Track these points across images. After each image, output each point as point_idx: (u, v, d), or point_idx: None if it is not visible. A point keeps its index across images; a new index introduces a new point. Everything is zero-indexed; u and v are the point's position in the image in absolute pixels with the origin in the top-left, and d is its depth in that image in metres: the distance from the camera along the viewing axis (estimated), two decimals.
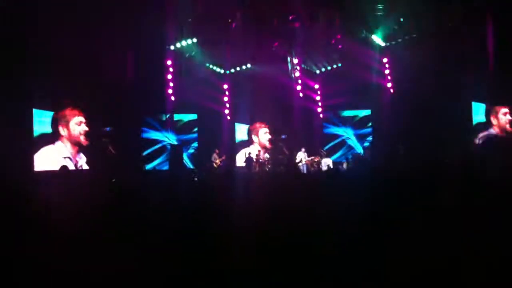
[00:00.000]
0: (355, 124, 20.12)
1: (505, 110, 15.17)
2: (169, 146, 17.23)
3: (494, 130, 15.16)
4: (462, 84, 16.56)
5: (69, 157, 13.43)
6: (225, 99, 19.01)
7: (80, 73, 13.11)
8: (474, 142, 15.30)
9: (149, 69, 14.80)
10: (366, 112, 19.93)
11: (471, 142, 15.23)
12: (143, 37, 14.10)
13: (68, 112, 13.70)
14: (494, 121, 15.45)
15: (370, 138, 19.73)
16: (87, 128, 13.75)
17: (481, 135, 15.25)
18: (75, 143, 13.65)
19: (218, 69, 18.91)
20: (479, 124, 15.75)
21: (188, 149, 17.98)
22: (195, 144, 18.07)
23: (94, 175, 12.64)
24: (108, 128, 14.11)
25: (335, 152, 19.14)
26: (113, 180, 10.88)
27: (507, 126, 15.00)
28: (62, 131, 13.56)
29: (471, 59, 16.68)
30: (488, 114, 15.68)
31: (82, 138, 13.69)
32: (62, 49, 12.63)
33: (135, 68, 14.58)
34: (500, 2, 15.66)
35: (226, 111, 18.92)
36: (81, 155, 13.74)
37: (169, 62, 16.87)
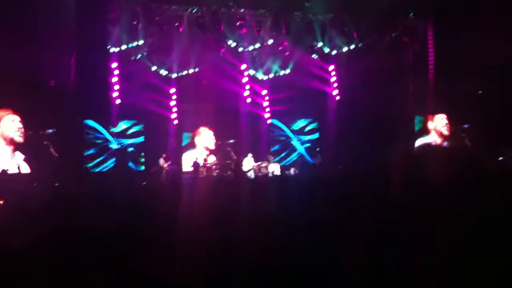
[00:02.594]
0: (301, 131, 20.33)
1: (442, 115, 15.63)
2: (113, 150, 16.89)
3: (431, 136, 15.55)
4: (404, 94, 17.04)
5: (2, 156, 12.91)
6: (172, 103, 18.79)
7: (18, 74, 12.69)
8: (410, 150, 15.60)
9: (93, 71, 14.44)
10: (313, 125, 20.13)
11: (408, 150, 15.50)
12: (86, 39, 13.77)
13: (1, 112, 13.17)
14: (431, 125, 15.84)
15: (309, 145, 19.94)
16: (21, 126, 13.21)
17: (419, 143, 15.59)
18: (10, 142, 13.12)
19: (164, 73, 18.68)
20: (418, 131, 16.18)
21: (132, 152, 17.66)
22: (131, 149, 17.72)
23: (35, 178, 12.20)
24: (50, 131, 13.65)
25: (281, 158, 19.21)
26: (56, 184, 10.52)
27: (444, 129, 15.40)
28: None
29: (412, 69, 17.20)
30: (425, 120, 16.10)
31: (16, 135, 13.12)
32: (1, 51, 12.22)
33: (78, 70, 14.20)
34: (439, 17, 16.22)
35: (173, 116, 18.70)
36: (17, 153, 13.21)
37: (114, 65, 16.58)
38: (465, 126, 14.93)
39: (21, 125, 13.21)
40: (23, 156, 13.23)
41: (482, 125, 14.18)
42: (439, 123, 15.49)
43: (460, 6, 15.44)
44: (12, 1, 12.58)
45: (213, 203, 6.29)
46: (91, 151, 16.68)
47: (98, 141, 16.92)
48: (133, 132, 17.86)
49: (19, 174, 12.61)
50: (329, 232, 4.30)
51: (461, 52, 15.16)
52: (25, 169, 13.03)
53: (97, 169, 16.51)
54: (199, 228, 5.24)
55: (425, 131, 15.58)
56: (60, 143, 13.60)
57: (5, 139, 13.10)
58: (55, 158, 12.80)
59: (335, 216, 4.59)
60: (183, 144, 18.46)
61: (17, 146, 13.20)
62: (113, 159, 16.65)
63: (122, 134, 17.55)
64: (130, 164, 17.26)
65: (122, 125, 17.58)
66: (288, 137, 20.18)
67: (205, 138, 17.49)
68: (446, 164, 2.10)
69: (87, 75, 14.02)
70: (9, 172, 12.07)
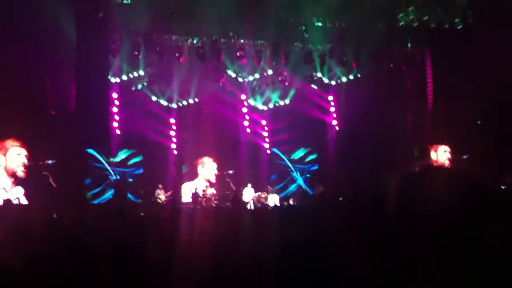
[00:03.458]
0: (300, 161, 20.28)
1: (445, 147, 15.58)
2: (113, 180, 16.80)
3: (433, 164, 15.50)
4: (403, 122, 17.09)
5: (4, 188, 12.85)
6: (172, 133, 18.82)
7: (20, 103, 12.74)
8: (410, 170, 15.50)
9: (93, 101, 14.48)
10: (313, 156, 20.08)
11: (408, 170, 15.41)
12: (87, 68, 13.84)
13: (8, 142, 13.15)
14: (433, 156, 15.81)
15: (308, 175, 19.86)
16: (26, 161, 13.20)
17: (419, 164, 15.49)
18: (12, 175, 13.08)
19: (164, 103, 18.76)
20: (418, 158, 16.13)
21: (131, 183, 17.56)
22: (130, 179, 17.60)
23: (34, 209, 12.12)
24: (50, 161, 13.62)
25: (281, 188, 19.10)
26: (54, 215, 10.42)
27: (446, 163, 15.36)
28: (0, 160, 13.02)
29: (412, 98, 17.29)
30: (427, 150, 16.07)
31: (19, 169, 13.09)
32: (3, 79, 12.28)
33: (79, 99, 14.24)
34: (436, 45, 16.37)
35: (173, 145, 18.71)
36: (18, 187, 13.16)
37: (114, 95, 16.67)
38: (464, 157, 14.91)
39: (26, 160, 13.18)
40: (23, 191, 13.18)
41: (482, 155, 14.16)
42: (441, 156, 15.38)
43: (457, 34, 15.61)
44: (14, 31, 12.69)
45: (212, 234, 6.25)
46: (89, 182, 16.60)
47: (97, 171, 16.85)
48: (133, 163, 17.80)
49: (20, 205, 12.56)
50: (329, 261, 4.27)
51: (460, 80, 15.26)
52: (24, 202, 12.98)
53: (96, 201, 16.41)
54: (197, 259, 5.20)
55: (427, 161, 15.54)
56: (60, 173, 13.57)
57: (7, 171, 13.07)
58: (54, 189, 12.76)
59: (335, 246, 4.56)
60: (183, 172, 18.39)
61: (18, 180, 13.15)
62: (111, 191, 16.55)
63: (122, 164, 17.49)
64: (129, 195, 17.16)
65: (121, 155, 17.53)
66: (287, 168, 20.13)
67: (208, 169, 17.44)
68: (447, 185, 2.07)
69: (88, 104, 14.06)
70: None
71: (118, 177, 17.00)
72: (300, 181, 19.94)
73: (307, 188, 19.34)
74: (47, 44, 12.78)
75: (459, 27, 15.69)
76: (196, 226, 7.71)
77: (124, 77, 16.81)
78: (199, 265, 5.01)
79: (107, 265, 5.11)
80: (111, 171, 17.00)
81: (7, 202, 9.76)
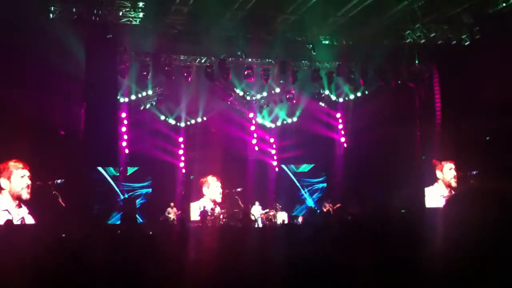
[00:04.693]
0: (307, 180, 20.24)
1: (450, 165, 15.49)
2: (120, 202, 16.82)
3: (440, 186, 15.39)
4: (411, 139, 17.04)
5: (7, 210, 12.89)
6: (180, 152, 18.88)
7: (29, 123, 12.87)
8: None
9: (102, 120, 14.58)
10: (321, 178, 20.05)
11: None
12: (96, 89, 13.97)
13: (11, 164, 13.22)
14: (439, 175, 15.73)
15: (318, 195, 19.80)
16: (29, 182, 13.25)
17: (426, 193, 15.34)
18: (17, 197, 13.13)
19: (173, 122, 18.86)
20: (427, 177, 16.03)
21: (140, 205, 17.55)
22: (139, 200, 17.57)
23: (41, 230, 12.16)
24: (59, 181, 13.70)
25: (289, 206, 19.01)
26: (63, 235, 10.46)
27: (452, 181, 15.26)
28: (4, 184, 13.08)
29: (420, 115, 17.26)
30: (433, 168, 15.99)
31: (24, 192, 13.15)
32: (10, 99, 12.42)
33: (88, 119, 14.35)
34: (444, 62, 16.37)
35: (181, 164, 18.76)
36: (23, 208, 13.19)
37: (123, 114, 16.80)
38: (474, 172, 14.80)
39: (29, 182, 13.23)
40: (27, 210, 13.22)
41: (491, 171, 14.07)
42: (447, 174, 15.27)
43: (464, 51, 15.61)
44: (24, 52, 12.86)
45: (219, 253, 6.25)
46: (100, 201, 16.61)
47: (105, 191, 16.86)
48: (138, 181, 17.79)
49: (23, 225, 12.60)
50: (336, 280, 4.25)
51: (467, 96, 15.23)
52: (30, 220, 13.02)
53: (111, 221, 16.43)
54: (204, 277, 5.19)
55: (432, 180, 15.49)
56: (69, 192, 13.63)
57: (12, 195, 13.12)
58: (63, 209, 12.81)
59: (343, 265, 4.54)
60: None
61: (22, 201, 13.20)
62: (118, 215, 16.56)
63: (131, 179, 17.50)
64: (138, 216, 17.16)
65: (130, 171, 17.57)
66: (296, 186, 20.11)
67: (213, 189, 17.44)
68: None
69: (97, 124, 14.16)
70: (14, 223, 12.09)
71: (126, 196, 17.01)
72: (309, 199, 19.90)
73: (316, 207, 19.29)
74: (57, 65, 12.92)
75: (466, 44, 15.70)
76: (203, 244, 7.71)
77: (133, 97, 16.95)
78: (207, 283, 5.01)
79: (114, 284, 5.12)
80: (118, 191, 17.02)
81: (9, 223, 9.81)
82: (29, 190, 13.22)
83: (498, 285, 1.72)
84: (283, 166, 20.30)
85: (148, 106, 17.95)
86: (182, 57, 15.94)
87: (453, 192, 14.29)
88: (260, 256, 5.09)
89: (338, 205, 16.84)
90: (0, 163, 13.13)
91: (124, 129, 17.00)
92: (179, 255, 6.45)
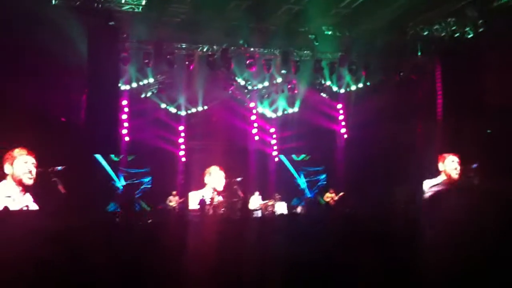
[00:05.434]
0: (307, 169, 20.29)
1: (453, 157, 15.47)
2: (120, 191, 16.88)
3: (441, 178, 15.37)
4: (413, 132, 17.03)
5: (10, 196, 12.93)
6: (180, 140, 18.87)
7: (30, 110, 12.88)
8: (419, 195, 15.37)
9: (103, 108, 14.56)
10: (320, 167, 20.11)
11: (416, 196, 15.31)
12: (98, 76, 13.94)
13: (16, 151, 13.27)
14: (441, 167, 15.70)
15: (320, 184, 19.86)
16: (33, 168, 13.28)
17: (427, 185, 15.34)
18: (20, 183, 13.17)
19: (174, 110, 18.83)
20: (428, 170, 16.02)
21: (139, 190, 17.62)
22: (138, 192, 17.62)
23: (42, 217, 12.20)
24: (59, 168, 13.69)
25: (289, 197, 19.04)
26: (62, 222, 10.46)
27: (454, 173, 15.25)
28: (7, 169, 13.13)
29: (422, 108, 17.24)
30: (436, 160, 15.98)
31: (25, 177, 13.17)
32: (11, 87, 12.43)
33: (89, 107, 14.33)
34: (447, 55, 16.32)
35: (181, 153, 18.76)
36: (27, 195, 13.24)
37: (124, 102, 16.79)
38: (474, 165, 14.80)
39: (33, 168, 13.25)
40: (31, 198, 13.25)
41: (491, 164, 14.07)
42: (449, 166, 15.24)
43: (467, 44, 15.55)
44: (25, 39, 12.83)
45: (219, 243, 6.26)
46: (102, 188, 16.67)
47: (105, 179, 16.91)
48: (141, 171, 17.83)
49: (28, 211, 12.64)
50: (335, 273, 4.26)
51: (470, 90, 15.20)
52: (34, 207, 13.05)
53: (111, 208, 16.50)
54: (203, 267, 5.21)
55: (435, 172, 15.46)
56: (69, 179, 13.63)
57: (15, 179, 13.17)
58: (64, 195, 12.82)
59: (342, 257, 4.55)
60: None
61: (26, 188, 13.23)
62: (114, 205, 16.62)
63: (130, 166, 17.53)
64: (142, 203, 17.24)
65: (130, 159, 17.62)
66: (295, 177, 20.17)
67: (216, 179, 17.45)
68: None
69: (98, 112, 14.13)
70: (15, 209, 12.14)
71: (126, 183, 17.05)
72: (307, 190, 19.95)
73: (315, 198, 19.35)
74: (59, 52, 12.88)
75: (469, 36, 15.63)
76: (203, 234, 7.72)
77: (134, 85, 16.91)
78: (206, 273, 5.02)
79: (113, 271, 5.14)
80: (116, 179, 17.05)
81: (5, 209, 9.84)
82: (31, 176, 13.25)
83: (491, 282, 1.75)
84: (281, 156, 20.31)
85: (149, 94, 17.93)
86: (184, 46, 15.88)
87: (453, 184, 14.22)
88: (260, 251, 5.11)
89: (342, 194, 16.87)
90: (6, 151, 13.19)
91: (125, 116, 17.00)
92: (179, 245, 6.47)
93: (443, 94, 16.67)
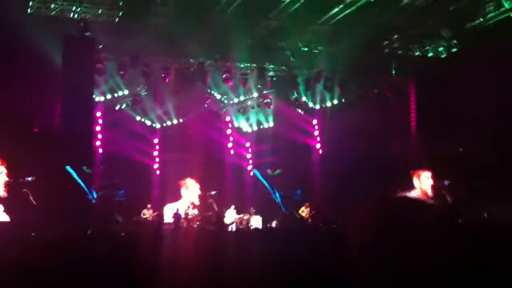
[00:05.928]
0: (282, 184, 20.27)
1: (428, 174, 15.62)
2: (93, 201, 16.61)
3: (415, 193, 15.48)
4: (387, 148, 17.21)
5: None
6: (155, 153, 18.75)
7: (5, 120, 12.66)
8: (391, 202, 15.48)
9: (77, 119, 14.38)
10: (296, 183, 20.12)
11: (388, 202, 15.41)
12: (72, 87, 13.78)
13: None
14: (416, 183, 15.81)
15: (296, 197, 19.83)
16: (7, 179, 12.99)
17: (401, 194, 15.47)
18: None
19: (149, 123, 18.72)
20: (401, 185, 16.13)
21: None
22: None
23: (13, 228, 11.92)
24: (29, 178, 13.42)
25: (264, 211, 18.99)
26: (32, 234, 10.26)
27: (429, 190, 15.38)
28: None
29: (396, 125, 17.45)
30: (410, 176, 16.11)
31: (0, 189, 12.87)
32: None
33: (62, 117, 14.15)
34: (421, 73, 16.59)
35: (156, 165, 18.63)
36: None
37: (98, 113, 16.63)
38: (446, 182, 14.98)
39: (6, 178, 12.95)
40: (2, 208, 12.93)
41: (464, 182, 14.25)
42: (424, 182, 15.47)
43: (441, 64, 15.82)
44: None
45: (192, 257, 6.20)
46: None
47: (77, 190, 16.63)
48: (113, 181, 17.61)
49: None
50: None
51: (443, 108, 15.43)
52: (5, 218, 12.73)
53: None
54: (177, 280, 5.14)
55: (410, 187, 15.59)
56: (41, 190, 13.38)
57: None
58: (34, 207, 12.57)
59: (317, 270, 4.55)
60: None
61: None
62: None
63: (104, 179, 17.31)
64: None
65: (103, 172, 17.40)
66: (269, 191, 20.13)
67: (192, 191, 17.32)
68: (420, 218, 2.05)
69: (72, 122, 13.97)
70: None
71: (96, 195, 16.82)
72: (281, 204, 19.94)
73: (290, 212, 19.34)
74: (34, 61, 12.74)
75: (443, 56, 15.93)
76: (177, 247, 7.64)
77: (109, 96, 16.78)
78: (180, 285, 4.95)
79: (85, 285, 5.03)
80: (88, 191, 16.80)
81: None
82: (5, 188, 12.94)
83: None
84: (255, 171, 20.28)
85: (123, 106, 17.79)
86: (160, 58, 15.83)
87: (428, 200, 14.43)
88: (235, 264, 5.07)
89: (316, 210, 16.87)
90: None
91: (98, 128, 16.83)
92: (152, 258, 6.38)
93: (416, 111, 16.93)
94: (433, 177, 14.88)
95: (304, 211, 17.37)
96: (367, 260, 2.11)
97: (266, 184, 20.19)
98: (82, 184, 16.57)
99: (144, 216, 16.24)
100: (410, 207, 2.12)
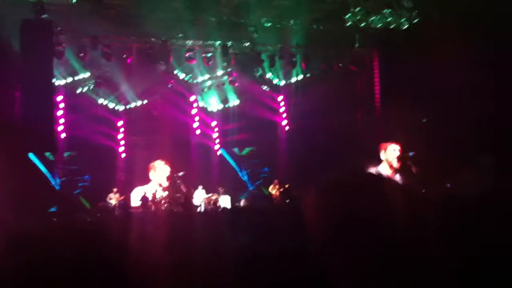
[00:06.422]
0: (249, 162, 20.29)
1: (395, 146, 15.81)
2: (57, 187, 16.36)
3: (382, 167, 15.70)
4: (353, 122, 17.35)
5: None
6: (120, 136, 18.47)
7: None
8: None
9: (38, 104, 14.02)
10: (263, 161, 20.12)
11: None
12: (31, 71, 13.41)
13: None
14: (383, 156, 16.01)
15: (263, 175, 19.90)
16: None
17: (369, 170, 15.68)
18: None
19: (112, 105, 18.38)
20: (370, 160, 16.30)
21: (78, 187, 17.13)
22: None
23: None
24: None
25: (232, 190, 18.99)
26: None
27: (394, 162, 15.59)
28: None
29: (362, 98, 17.58)
30: (377, 150, 16.30)
31: None
32: None
33: (22, 103, 13.77)
34: (383, 46, 16.69)
35: (121, 149, 18.36)
36: None
37: (59, 98, 16.26)
38: (410, 154, 15.18)
39: None
40: None
41: (428, 153, 14.45)
42: (390, 154, 15.69)
43: (403, 35, 15.90)
44: None
45: (161, 239, 6.12)
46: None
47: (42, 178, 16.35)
48: (77, 166, 17.32)
49: None
50: (283, 265, 4.23)
51: (406, 80, 15.56)
52: None
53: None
54: (147, 265, 5.07)
55: (376, 161, 15.76)
56: (3, 179, 13.09)
57: None
58: None
59: (287, 247, 4.53)
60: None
61: None
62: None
63: (66, 169, 17.03)
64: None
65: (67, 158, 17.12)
66: (237, 170, 20.13)
67: (161, 173, 17.16)
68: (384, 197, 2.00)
69: (32, 108, 13.63)
70: None
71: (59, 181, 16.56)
72: (248, 183, 19.98)
73: (258, 189, 19.42)
74: None
75: (404, 27, 15.99)
76: (145, 230, 7.55)
77: (70, 80, 16.39)
78: (149, 272, 4.88)
79: (53, 273, 4.91)
80: (51, 178, 16.51)
81: None
82: None
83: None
84: (222, 150, 20.22)
85: (85, 89, 17.40)
86: (121, 39, 15.50)
87: (395, 173, 14.66)
88: (205, 245, 5.03)
89: (287, 185, 16.92)
90: None
91: (60, 112, 16.47)
92: (122, 243, 6.29)
93: (380, 84, 17.06)
94: (401, 150, 15.07)
95: (273, 189, 17.42)
96: (324, 240, 2.05)
97: (233, 163, 20.16)
98: (45, 171, 16.29)
99: (111, 201, 16.05)
100: (366, 184, 2.07)
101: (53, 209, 15.87)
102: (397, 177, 8.90)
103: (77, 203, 16.62)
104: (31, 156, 15.84)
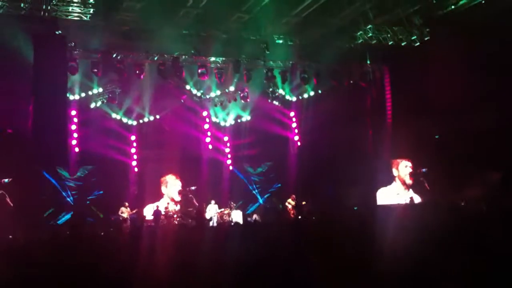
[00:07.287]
0: (261, 177, 20.30)
1: (406, 163, 15.84)
2: (71, 202, 16.48)
3: (395, 185, 15.69)
4: (364, 138, 17.31)
5: None
6: (132, 150, 18.58)
7: None
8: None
9: (52, 118, 14.15)
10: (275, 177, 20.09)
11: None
12: (45, 86, 13.55)
13: None
14: (395, 172, 16.07)
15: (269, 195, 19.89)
16: None
17: (381, 194, 15.66)
18: None
19: (125, 120, 18.52)
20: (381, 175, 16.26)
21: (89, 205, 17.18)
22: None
23: None
24: (6, 180, 13.26)
25: (244, 205, 19.02)
26: (10, 236, 10.18)
27: (407, 178, 15.59)
28: None
29: (372, 114, 17.57)
30: (389, 166, 16.30)
31: None
32: None
33: (36, 117, 13.91)
34: (394, 62, 16.71)
35: (134, 163, 18.47)
36: None
37: (73, 112, 16.43)
38: (423, 170, 15.14)
39: None
40: None
41: (441, 169, 14.40)
42: (403, 171, 15.73)
43: (414, 52, 15.92)
44: None
45: (173, 252, 6.16)
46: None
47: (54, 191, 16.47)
48: (90, 181, 17.41)
49: None
50: (293, 279, 4.25)
51: (417, 95, 15.55)
52: None
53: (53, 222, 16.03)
54: (156, 276, 5.11)
55: (390, 178, 15.76)
56: (17, 192, 13.22)
57: None
58: (11, 209, 12.44)
59: (299, 262, 4.55)
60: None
61: None
62: (69, 214, 16.25)
63: (80, 184, 17.14)
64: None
65: (79, 174, 17.23)
66: (249, 185, 20.13)
67: (172, 188, 17.25)
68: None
69: (46, 122, 13.75)
70: None
71: (73, 196, 16.66)
72: (258, 196, 19.96)
73: (269, 202, 19.41)
74: (5, 61, 12.53)
75: (416, 45, 16.02)
76: (156, 245, 7.59)
77: (83, 95, 16.57)
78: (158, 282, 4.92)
79: (66, 283, 4.97)
80: (65, 194, 16.63)
81: None
82: None
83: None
84: (234, 169, 20.21)
85: (98, 104, 17.57)
86: (134, 54, 15.64)
87: (409, 190, 14.71)
88: (215, 259, 5.05)
89: (304, 202, 16.84)
90: None
91: (74, 127, 16.62)
92: (131, 256, 6.32)
93: (392, 100, 17.05)
94: (413, 166, 15.07)
95: (290, 203, 17.34)
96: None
97: (244, 180, 20.17)
98: (57, 186, 16.40)
99: (122, 214, 16.11)
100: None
101: (65, 218, 16.01)
102: (411, 194, 8.91)
103: (89, 213, 16.68)
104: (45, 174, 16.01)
